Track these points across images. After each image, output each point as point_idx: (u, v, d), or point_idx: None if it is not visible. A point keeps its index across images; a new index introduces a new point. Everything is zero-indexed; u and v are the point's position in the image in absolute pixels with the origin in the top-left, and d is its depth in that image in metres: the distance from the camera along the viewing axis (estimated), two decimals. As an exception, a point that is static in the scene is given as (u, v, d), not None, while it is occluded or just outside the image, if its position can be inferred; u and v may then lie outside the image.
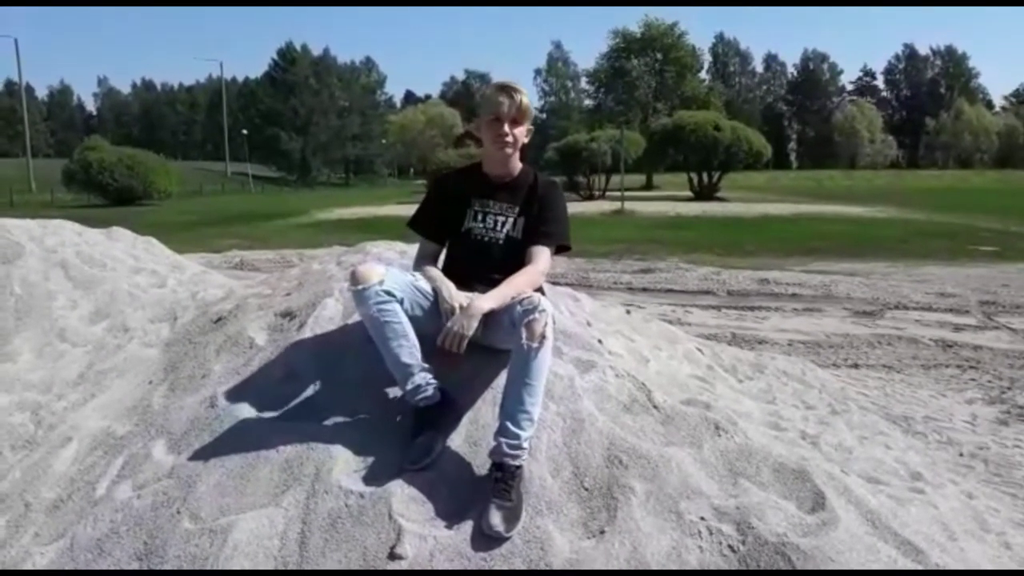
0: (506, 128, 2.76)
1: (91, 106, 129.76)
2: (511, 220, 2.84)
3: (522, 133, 2.82)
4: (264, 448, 2.60)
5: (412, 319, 2.60)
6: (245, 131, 75.98)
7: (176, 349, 3.59)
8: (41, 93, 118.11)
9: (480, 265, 2.77)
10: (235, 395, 2.97)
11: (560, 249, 2.92)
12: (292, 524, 2.35)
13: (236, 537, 2.32)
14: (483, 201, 2.87)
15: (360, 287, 2.55)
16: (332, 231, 20.82)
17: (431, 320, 2.66)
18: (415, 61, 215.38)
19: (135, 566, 2.35)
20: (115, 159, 40.22)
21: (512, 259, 2.78)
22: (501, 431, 2.38)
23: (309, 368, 3.00)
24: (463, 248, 2.87)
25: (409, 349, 2.56)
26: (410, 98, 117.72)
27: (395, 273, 2.66)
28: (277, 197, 52.26)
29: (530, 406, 2.38)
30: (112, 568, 2.36)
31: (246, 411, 2.84)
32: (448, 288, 2.65)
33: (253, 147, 77.73)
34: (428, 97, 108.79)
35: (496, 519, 2.24)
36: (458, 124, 75.74)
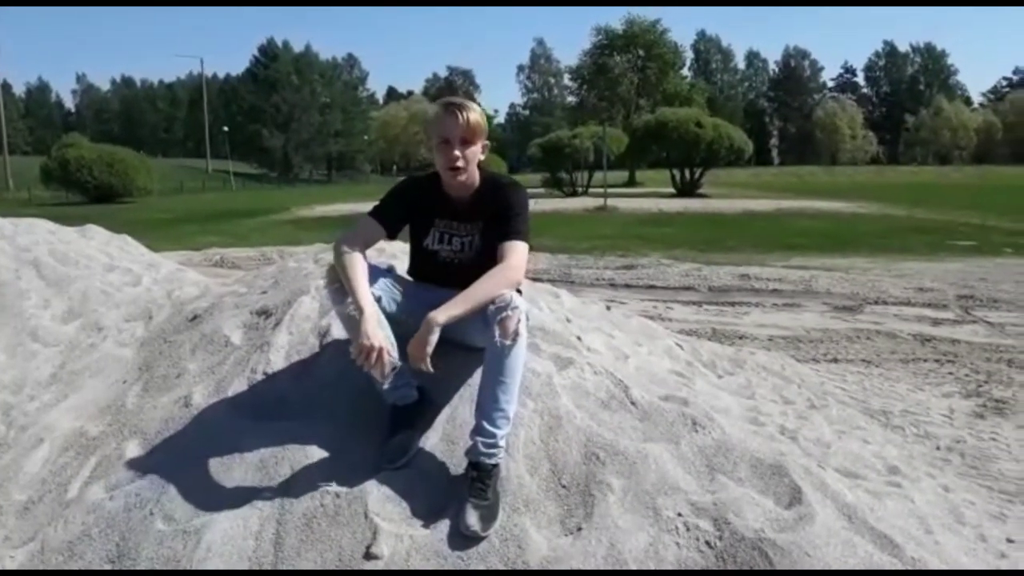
0: (456, 152, 2.55)
1: (70, 103, 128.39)
2: (478, 236, 2.69)
3: (475, 152, 2.61)
4: (239, 448, 2.57)
5: (389, 316, 2.57)
6: (226, 128, 75.44)
7: (150, 348, 3.54)
8: (19, 90, 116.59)
9: (457, 283, 2.56)
10: (210, 394, 2.94)
11: None
12: (267, 524, 2.32)
13: (210, 538, 2.29)
14: (447, 222, 2.72)
15: (336, 285, 2.52)
16: (314, 228, 20.70)
17: (410, 315, 2.62)
18: (397, 57, 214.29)
19: (107, 568, 2.31)
20: (94, 156, 39.85)
21: (477, 268, 2.60)
22: (477, 430, 2.37)
23: (284, 367, 2.98)
24: (434, 268, 2.75)
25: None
26: (392, 94, 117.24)
27: (372, 270, 2.63)
28: (258, 194, 51.92)
29: (505, 404, 2.36)
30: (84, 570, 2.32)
31: (221, 411, 2.81)
32: (368, 325, 2.37)
33: (234, 144, 77.20)
34: (411, 93, 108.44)
35: (472, 519, 2.22)
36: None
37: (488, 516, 2.25)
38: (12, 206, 32.33)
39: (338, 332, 3.12)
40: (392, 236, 2.74)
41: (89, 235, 5.11)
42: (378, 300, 2.54)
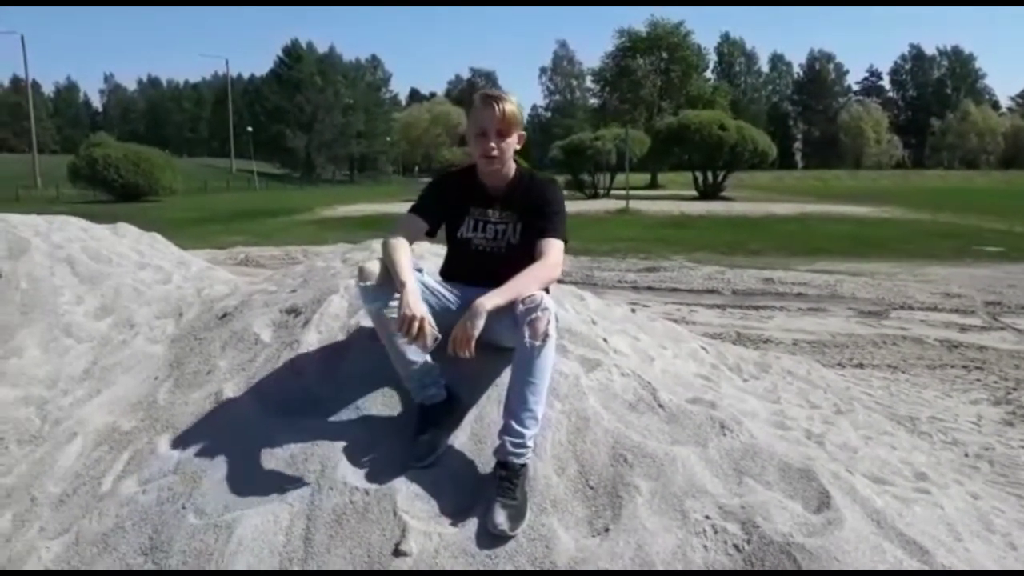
0: (492, 144, 2.64)
1: (97, 103, 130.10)
2: (511, 227, 2.76)
3: (512, 143, 2.69)
4: (269, 444, 2.61)
5: None
6: (250, 128, 76.08)
7: (181, 345, 3.59)
8: (48, 89, 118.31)
9: (486, 275, 2.63)
10: (240, 391, 2.98)
11: None
12: (297, 520, 2.35)
13: (241, 533, 2.32)
14: (481, 211, 2.78)
15: (368, 284, 2.54)
16: (337, 228, 20.83)
17: (438, 317, 2.64)
18: (420, 59, 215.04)
19: (140, 561, 2.35)
20: (120, 155, 40.39)
21: (518, 267, 2.61)
22: (505, 430, 2.38)
23: (314, 365, 3.01)
24: (466, 258, 2.81)
25: (415, 346, 2.54)
26: (415, 96, 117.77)
27: None
28: (282, 194, 52.32)
29: (534, 404, 2.38)
30: (117, 562, 2.36)
31: (251, 407, 2.85)
32: (410, 296, 2.42)
33: (258, 144, 77.83)
34: (433, 95, 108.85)
35: (501, 518, 2.23)
36: (463, 122, 75.98)
37: (516, 515, 2.27)
38: (41, 204, 32.80)
39: (367, 331, 3.15)
40: (433, 230, 2.81)
41: (120, 233, 5.18)
42: None
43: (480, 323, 2.39)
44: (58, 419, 3.21)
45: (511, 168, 2.77)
